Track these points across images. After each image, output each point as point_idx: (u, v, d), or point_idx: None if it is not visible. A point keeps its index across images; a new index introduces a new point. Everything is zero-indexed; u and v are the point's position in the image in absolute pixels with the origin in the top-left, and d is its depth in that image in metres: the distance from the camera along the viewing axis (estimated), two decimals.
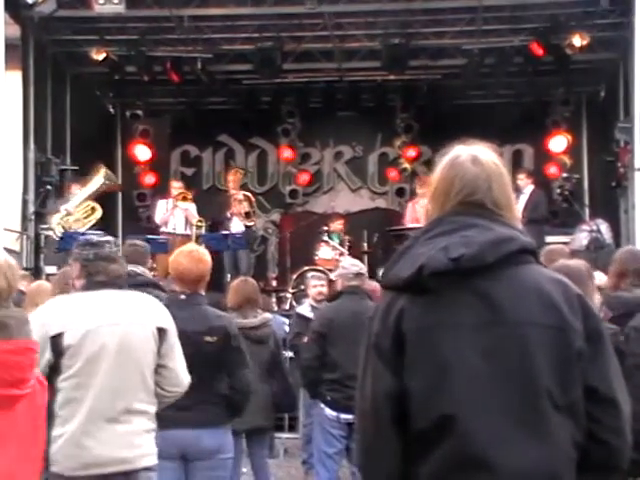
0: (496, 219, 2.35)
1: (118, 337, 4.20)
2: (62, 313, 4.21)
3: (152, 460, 4.33)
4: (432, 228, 2.37)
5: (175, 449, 5.01)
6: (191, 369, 4.94)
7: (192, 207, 13.22)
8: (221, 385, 5.14)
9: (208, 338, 5.02)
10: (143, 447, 4.29)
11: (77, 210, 11.99)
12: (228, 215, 13.29)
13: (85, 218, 11.96)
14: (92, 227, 11.87)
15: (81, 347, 4.13)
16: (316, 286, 8.69)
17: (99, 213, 12.11)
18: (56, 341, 4.05)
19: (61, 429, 4.06)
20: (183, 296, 5.14)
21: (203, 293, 5.30)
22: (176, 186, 13.50)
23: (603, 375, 2.29)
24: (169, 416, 4.94)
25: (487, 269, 2.26)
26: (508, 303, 2.25)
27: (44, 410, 3.22)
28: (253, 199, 13.81)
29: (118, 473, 4.17)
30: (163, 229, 13.13)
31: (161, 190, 14.44)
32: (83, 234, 11.17)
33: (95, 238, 4.58)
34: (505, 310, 2.25)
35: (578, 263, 4.68)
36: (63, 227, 11.71)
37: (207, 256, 5.30)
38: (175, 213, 13.21)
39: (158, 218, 13.38)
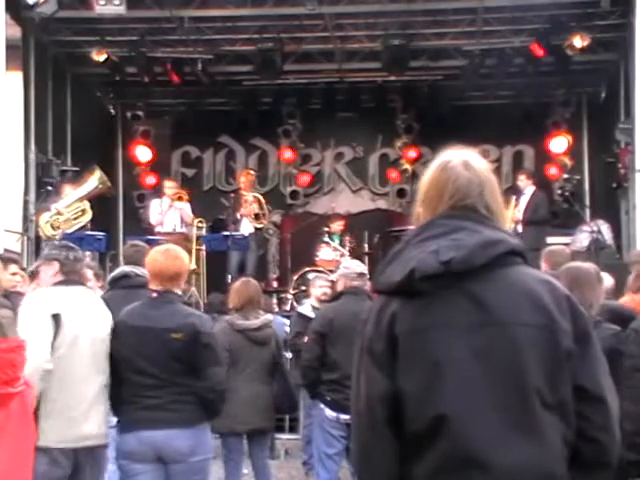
0: (484, 222, 2.37)
1: (94, 326, 4.92)
2: (58, 298, 4.81)
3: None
4: (423, 231, 2.40)
5: (150, 451, 4.97)
6: (160, 367, 4.95)
7: (187, 207, 13.23)
8: (195, 384, 5.06)
9: (174, 335, 4.99)
10: (106, 426, 5.00)
11: (67, 210, 11.92)
12: (238, 216, 13.26)
13: (75, 219, 11.90)
14: (92, 229, 11.87)
15: (69, 332, 4.74)
16: (322, 286, 8.70)
17: (89, 216, 12.02)
18: (55, 320, 4.63)
19: (52, 405, 4.62)
20: (155, 294, 5.13)
21: (178, 291, 5.27)
22: (169, 185, 13.50)
23: (591, 374, 2.32)
24: (142, 416, 4.94)
25: (477, 271, 2.29)
26: (497, 304, 2.28)
27: (32, 408, 3.29)
28: (263, 201, 13.77)
29: (92, 447, 4.83)
30: (159, 229, 13.10)
31: (162, 191, 14.45)
32: (85, 235, 11.20)
33: (70, 243, 5.37)
34: (495, 311, 2.27)
35: (589, 266, 4.68)
36: (52, 226, 11.67)
37: (183, 254, 5.31)
38: (170, 213, 13.21)
39: (153, 219, 13.35)
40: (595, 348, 2.35)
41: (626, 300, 5.58)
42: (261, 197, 13.81)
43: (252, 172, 14.59)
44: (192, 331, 5.04)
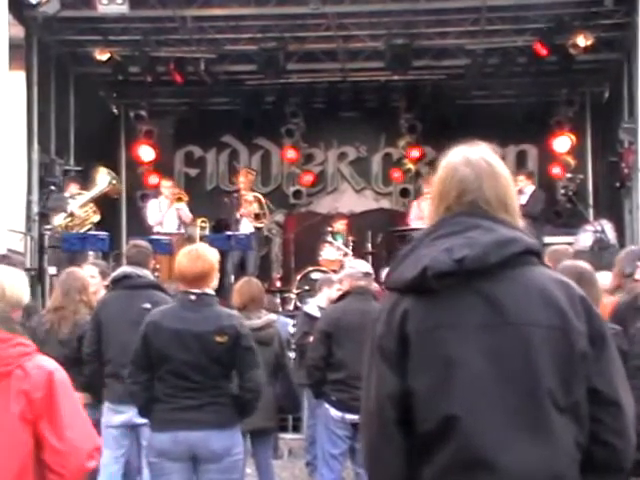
0: (499, 220, 2.34)
1: None
2: None
3: None
4: (435, 229, 2.37)
5: (186, 450, 4.99)
6: (200, 370, 4.91)
7: (185, 207, 13.22)
8: (231, 385, 5.09)
9: (219, 338, 4.98)
10: None
11: (81, 211, 11.95)
12: (237, 216, 13.23)
13: (86, 220, 11.94)
14: (96, 228, 11.88)
15: None
16: (339, 290, 8.66)
17: (97, 217, 12.06)
18: None
19: None
20: (193, 297, 5.08)
21: (212, 292, 5.23)
22: (166, 185, 13.49)
23: (606, 377, 2.29)
24: (179, 417, 4.92)
25: (490, 270, 2.25)
26: (511, 304, 2.25)
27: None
28: (264, 200, 13.75)
29: None
30: (157, 229, 13.08)
31: (159, 191, 14.43)
32: (88, 235, 11.20)
33: None
34: (508, 311, 2.24)
35: (586, 265, 4.66)
36: (67, 228, 11.69)
37: (209, 254, 5.19)
38: (169, 213, 13.20)
39: (152, 219, 13.33)
40: (611, 350, 2.32)
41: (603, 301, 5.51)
42: (261, 197, 13.81)
43: (252, 171, 14.58)
44: (235, 334, 5.03)
